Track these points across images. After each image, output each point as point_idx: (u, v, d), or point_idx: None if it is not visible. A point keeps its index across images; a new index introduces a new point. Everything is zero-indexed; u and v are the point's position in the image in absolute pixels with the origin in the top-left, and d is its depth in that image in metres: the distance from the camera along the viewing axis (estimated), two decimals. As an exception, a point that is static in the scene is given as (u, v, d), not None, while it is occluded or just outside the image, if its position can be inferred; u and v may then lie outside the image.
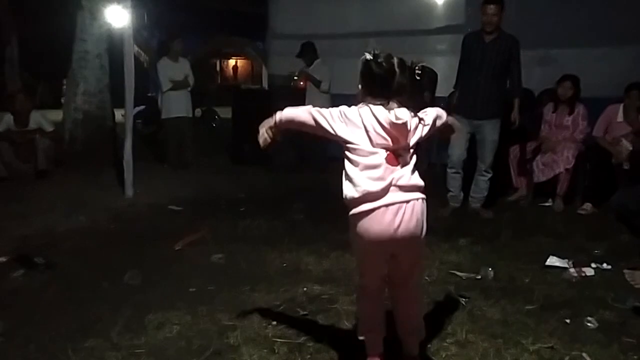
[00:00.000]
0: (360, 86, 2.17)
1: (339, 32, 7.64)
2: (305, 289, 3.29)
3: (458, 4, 7.18)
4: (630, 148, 5.19)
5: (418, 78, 2.16)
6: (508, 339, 2.67)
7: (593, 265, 3.69)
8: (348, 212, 2.15)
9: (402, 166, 2.13)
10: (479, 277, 3.52)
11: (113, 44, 7.57)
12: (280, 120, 2.26)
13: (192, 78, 7.39)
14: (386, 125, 2.08)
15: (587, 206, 5.23)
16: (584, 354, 2.53)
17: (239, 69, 26.60)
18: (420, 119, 2.18)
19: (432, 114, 2.25)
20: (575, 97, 5.53)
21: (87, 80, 7.54)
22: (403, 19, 7.50)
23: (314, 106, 2.22)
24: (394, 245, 2.12)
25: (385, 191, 2.08)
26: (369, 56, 2.11)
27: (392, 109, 2.09)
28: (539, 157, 5.58)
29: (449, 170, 5.08)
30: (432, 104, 7.06)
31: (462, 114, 4.84)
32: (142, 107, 9.95)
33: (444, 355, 2.52)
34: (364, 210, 2.09)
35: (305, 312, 2.95)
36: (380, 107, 2.10)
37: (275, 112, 2.27)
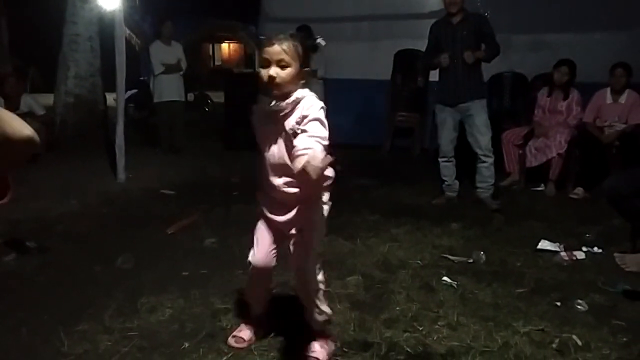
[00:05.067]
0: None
1: (332, 15, 7.59)
2: (298, 272, 3.29)
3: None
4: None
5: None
6: (499, 321, 2.70)
7: (584, 249, 3.72)
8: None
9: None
10: (471, 260, 3.55)
11: (104, 27, 7.48)
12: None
13: (184, 62, 7.33)
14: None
15: (579, 191, 5.25)
16: (574, 337, 2.55)
17: (232, 52, 26.42)
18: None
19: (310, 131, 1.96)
20: (570, 82, 5.54)
21: (78, 63, 7.46)
22: (396, 3, 7.44)
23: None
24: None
25: None
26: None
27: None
28: (532, 142, 5.60)
29: (440, 160, 5.00)
30: (426, 88, 7.12)
31: (445, 103, 4.83)
32: (134, 91, 9.88)
33: (435, 338, 2.54)
34: None
35: (298, 296, 2.96)
36: None
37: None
